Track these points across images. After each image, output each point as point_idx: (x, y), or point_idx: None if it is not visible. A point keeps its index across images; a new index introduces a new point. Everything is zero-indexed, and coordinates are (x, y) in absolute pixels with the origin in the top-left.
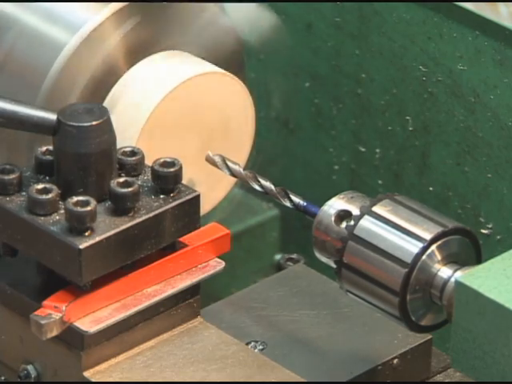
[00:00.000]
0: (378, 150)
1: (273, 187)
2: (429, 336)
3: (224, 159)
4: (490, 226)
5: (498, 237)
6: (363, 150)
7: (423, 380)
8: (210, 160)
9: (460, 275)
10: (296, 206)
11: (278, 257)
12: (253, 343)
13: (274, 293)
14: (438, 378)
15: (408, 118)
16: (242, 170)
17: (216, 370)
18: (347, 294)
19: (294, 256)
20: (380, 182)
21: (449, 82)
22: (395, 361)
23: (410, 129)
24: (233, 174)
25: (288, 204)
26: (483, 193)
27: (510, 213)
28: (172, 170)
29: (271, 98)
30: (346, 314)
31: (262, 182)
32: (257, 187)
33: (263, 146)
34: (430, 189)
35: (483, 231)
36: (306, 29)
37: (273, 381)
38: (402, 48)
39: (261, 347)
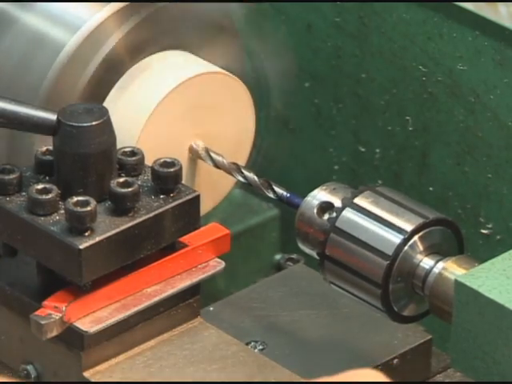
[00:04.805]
0: (377, 150)
1: (256, 179)
2: (429, 336)
3: (207, 150)
4: (489, 226)
5: (498, 237)
6: (363, 150)
7: (423, 380)
8: (193, 151)
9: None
10: (279, 197)
11: (278, 257)
12: (253, 343)
13: (273, 293)
14: (438, 378)
15: (408, 118)
16: (225, 161)
17: (216, 370)
18: (330, 285)
19: (294, 256)
20: (380, 182)
21: (449, 81)
22: (395, 361)
23: (410, 129)
24: (216, 165)
25: (271, 195)
26: (483, 193)
27: (510, 213)
28: (172, 170)
29: (271, 98)
30: (346, 314)
31: (246, 173)
32: (240, 178)
33: (263, 146)
34: (430, 189)
35: (483, 231)
36: (306, 29)
37: (273, 381)
38: (402, 48)
39: (261, 347)
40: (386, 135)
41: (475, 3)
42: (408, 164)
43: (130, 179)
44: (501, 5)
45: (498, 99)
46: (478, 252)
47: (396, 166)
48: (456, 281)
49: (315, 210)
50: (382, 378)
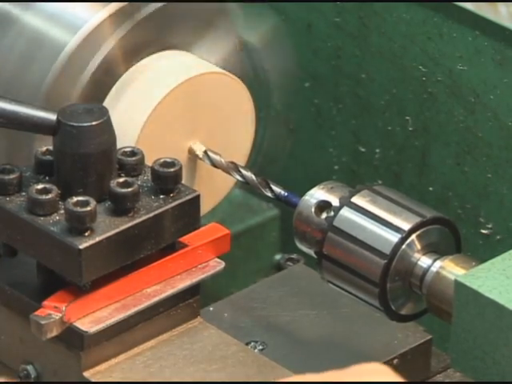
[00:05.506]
0: (377, 150)
1: (254, 177)
2: (429, 336)
3: (205, 150)
4: (489, 226)
5: (498, 237)
6: (363, 150)
7: (423, 380)
8: (191, 151)
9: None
10: (277, 196)
11: (278, 257)
12: (253, 343)
13: (274, 293)
14: (438, 378)
15: (408, 118)
16: (223, 160)
17: (216, 370)
18: (328, 284)
19: (294, 256)
20: (380, 182)
21: (449, 82)
22: (395, 361)
23: (410, 129)
24: (214, 164)
25: (269, 194)
26: (483, 193)
27: (510, 213)
28: (172, 170)
29: (271, 98)
30: (346, 314)
31: (244, 172)
32: (238, 177)
33: (263, 146)
34: (430, 189)
35: (483, 231)
36: (306, 29)
37: (273, 381)
38: (402, 48)
39: (261, 347)
40: (386, 135)
41: (475, 3)
42: (408, 164)
43: (129, 179)
44: (501, 5)
45: (498, 99)
46: (478, 252)
47: (396, 166)
48: (456, 281)
49: (313, 209)
50: (389, 372)
